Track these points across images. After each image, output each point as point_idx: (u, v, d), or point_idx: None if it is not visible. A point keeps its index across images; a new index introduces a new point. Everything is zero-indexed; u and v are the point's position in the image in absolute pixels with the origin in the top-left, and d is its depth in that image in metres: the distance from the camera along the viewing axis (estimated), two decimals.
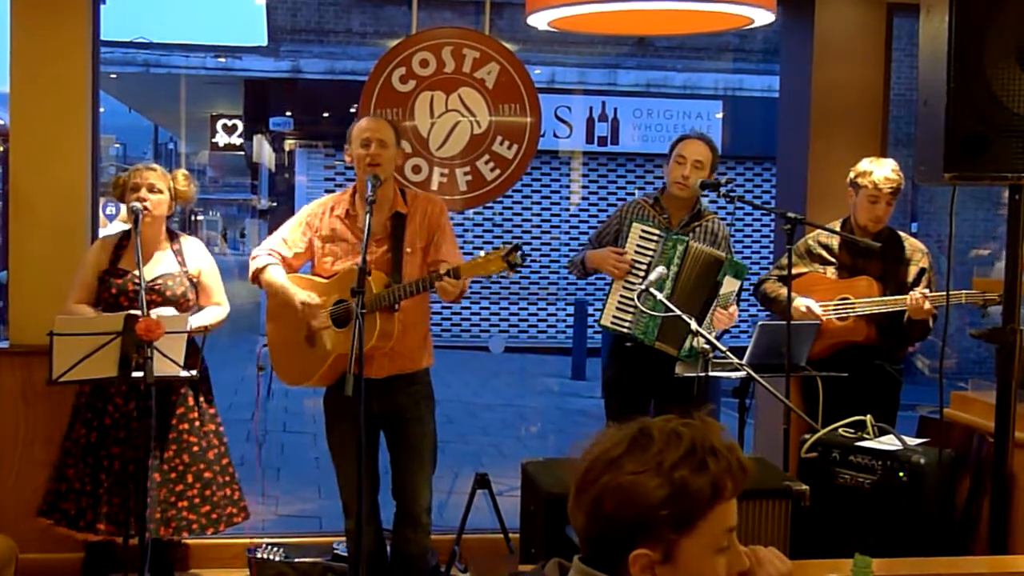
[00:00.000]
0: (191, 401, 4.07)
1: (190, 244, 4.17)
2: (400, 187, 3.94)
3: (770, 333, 4.07)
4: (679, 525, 1.54)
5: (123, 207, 4.52)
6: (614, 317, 4.20)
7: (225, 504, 4.14)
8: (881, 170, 4.25)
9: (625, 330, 4.18)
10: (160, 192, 3.98)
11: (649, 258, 4.15)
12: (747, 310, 4.32)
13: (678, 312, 3.82)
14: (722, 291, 4.12)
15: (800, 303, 4.28)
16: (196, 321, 3.98)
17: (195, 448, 4.07)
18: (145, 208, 3.93)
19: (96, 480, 3.95)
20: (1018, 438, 3.30)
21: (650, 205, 4.33)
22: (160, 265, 4.05)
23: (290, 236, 3.94)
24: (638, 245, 4.17)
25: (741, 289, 4.24)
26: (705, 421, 1.60)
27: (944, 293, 3.88)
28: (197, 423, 4.08)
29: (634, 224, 4.20)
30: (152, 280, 3.97)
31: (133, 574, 3.79)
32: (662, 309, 3.92)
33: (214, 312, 4.12)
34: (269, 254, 3.92)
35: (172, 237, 4.14)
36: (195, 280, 4.11)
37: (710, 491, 1.54)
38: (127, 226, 4.14)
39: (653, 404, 4.28)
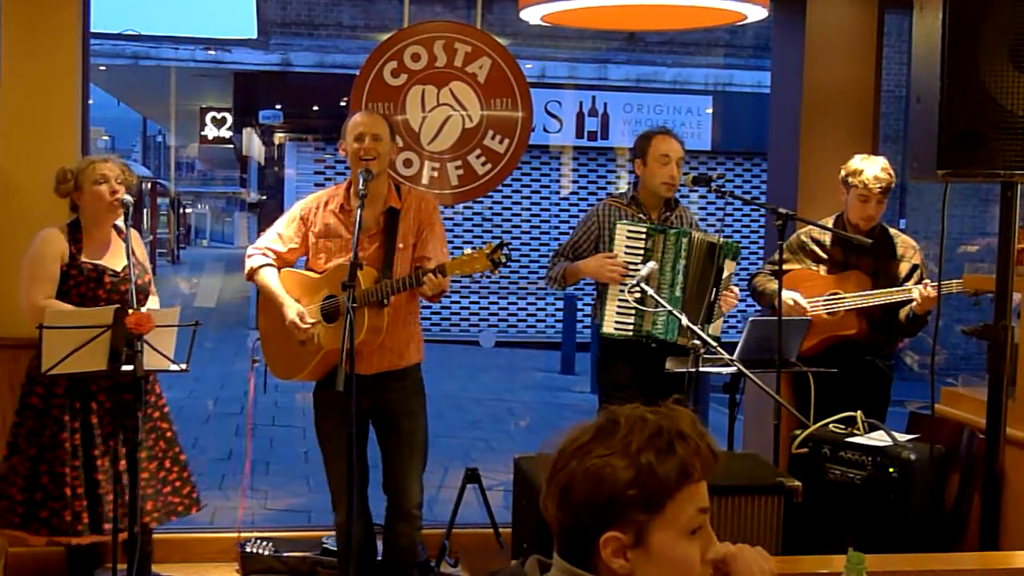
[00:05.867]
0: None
1: (132, 234, 4.03)
2: (395, 182, 3.93)
3: (761, 328, 4.07)
4: (648, 506, 1.52)
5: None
6: (616, 323, 4.16)
7: (192, 484, 4.18)
8: (871, 169, 4.24)
9: (631, 334, 4.15)
10: (122, 183, 3.94)
11: (640, 257, 4.13)
12: (736, 305, 4.31)
13: (668, 307, 3.83)
14: (724, 274, 4.12)
15: (787, 296, 4.28)
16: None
17: (168, 434, 4.08)
18: (125, 199, 3.90)
19: (92, 481, 3.87)
20: (1008, 434, 3.31)
21: (625, 205, 4.30)
22: (120, 256, 3.97)
23: (285, 231, 3.93)
24: (627, 246, 4.14)
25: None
26: (673, 409, 1.60)
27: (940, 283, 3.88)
28: (156, 412, 4.07)
29: (618, 225, 4.17)
30: (123, 269, 3.93)
31: (121, 564, 3.78)
32: (653, 304, 3.91)
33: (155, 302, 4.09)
34: (264, 253, 3.91)
35: (115, 228, 4.06)
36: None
37: (677, 472, 1.53)
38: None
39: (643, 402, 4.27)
